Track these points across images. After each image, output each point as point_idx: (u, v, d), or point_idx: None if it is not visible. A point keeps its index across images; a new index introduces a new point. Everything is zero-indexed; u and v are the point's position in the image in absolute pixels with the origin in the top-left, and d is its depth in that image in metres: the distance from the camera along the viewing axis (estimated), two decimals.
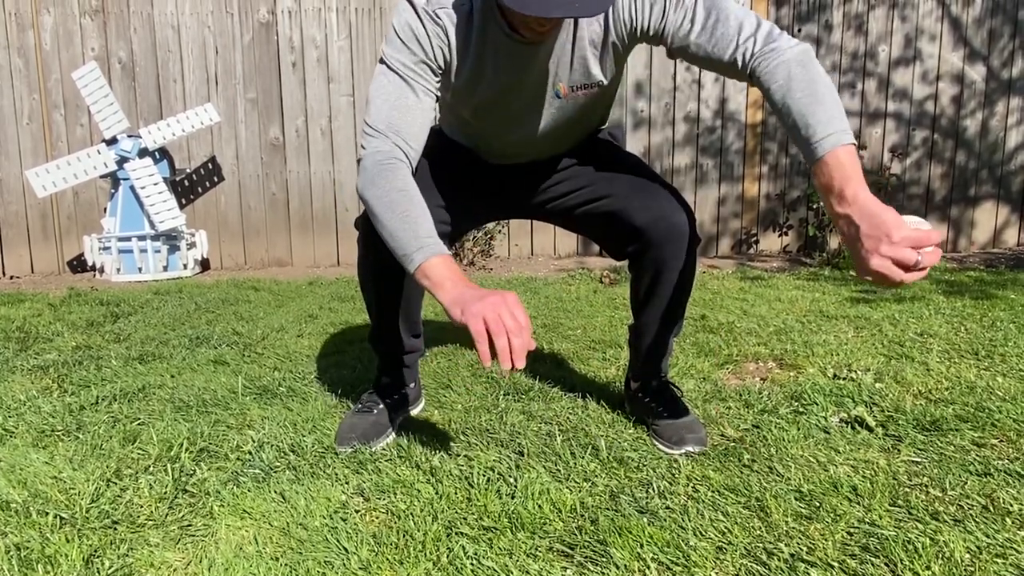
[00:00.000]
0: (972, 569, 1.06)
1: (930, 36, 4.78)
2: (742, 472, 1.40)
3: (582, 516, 1.25)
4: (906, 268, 1.11)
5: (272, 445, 1.57)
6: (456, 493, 1.33)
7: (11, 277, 4.72)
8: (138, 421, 1.74)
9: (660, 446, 1.54)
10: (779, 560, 1.09)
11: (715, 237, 5.00)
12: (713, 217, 4.98)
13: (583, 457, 1.47)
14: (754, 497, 1.29)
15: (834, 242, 4.82)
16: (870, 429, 1.60)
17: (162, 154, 4.54)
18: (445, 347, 2.42)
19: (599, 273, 4.06)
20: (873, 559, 1.09)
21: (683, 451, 1.50)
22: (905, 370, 2.02)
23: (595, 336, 2.53)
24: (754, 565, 1.09)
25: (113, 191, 4.49)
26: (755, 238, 5.00)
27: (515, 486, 1.35)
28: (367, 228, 1.56)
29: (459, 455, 1.50)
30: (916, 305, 2.93)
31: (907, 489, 1.32)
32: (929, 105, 4.86)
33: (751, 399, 1.81)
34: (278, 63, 4.74)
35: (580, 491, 1.34)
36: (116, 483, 1.40)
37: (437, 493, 1.33)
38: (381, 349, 1.73)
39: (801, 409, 1.74)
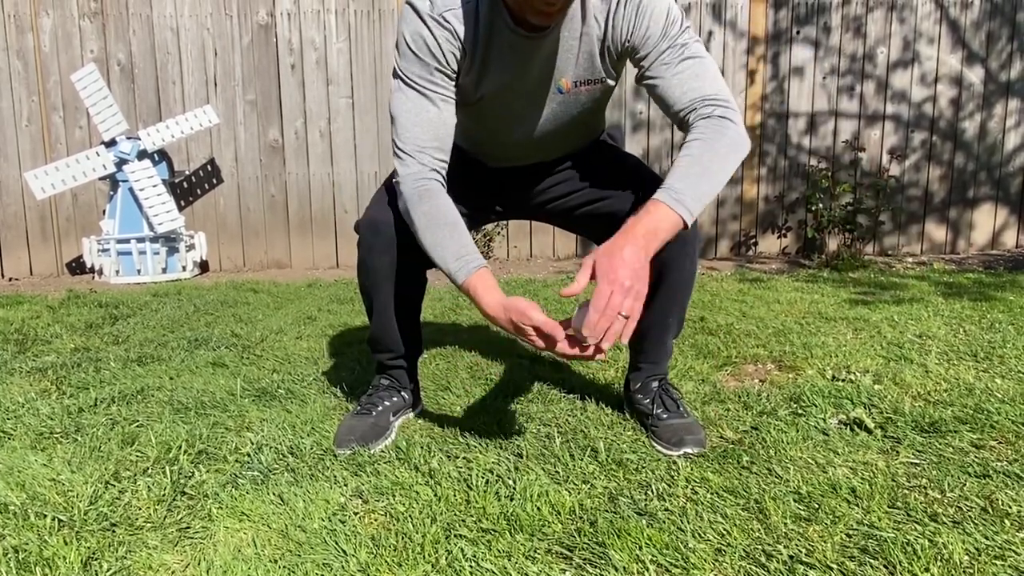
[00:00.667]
0: (971, 571, 1.06)
1: (928, 38, 4.79)
2: (741, 474, 1.40)
3: (581, 518, 1.25)
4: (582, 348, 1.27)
5: (271, 447, 1.57)
6: (455, 495, 1.33)
7: (10, 279, 4.71)
8: (136, 423, 1.74)
9: (659, 448, 1.54)
10: (778, 562, 1.09)
11: (714, 239, 5.01)
12: (712, 219, 4.98)
13: (582, 459, 1.47)
14: (753, 499, 1.29)
15: (833, 244, 4.82)
16: (869, 431, 1.60)
17: (161, 156, 4.54)
18: (444, 349, 2.42)
19: None
20: (872, 561, 1.09)
21: (682, 453, 1.50)
22: (904, 372, 2.02)
23: None
24: (753, 567, 1.09)
25: (112, 193, 4.49)
26: (754, 240, 5.00)
27: (514, 488, 1.35)
28: (366, 231, 1.56)
29: (458, 457, 1.50)
30: (915, 307, 2.94)
31: (906, 491, 1.32)
32: (928, 107, 4.86)
33: (750, 401, 1.81)
34: (277, 65, 4.75)
35: (579, 493, 1.34)
36: (114, 485, 1.40)
37: (436, 495, 1.33)
38: (380, 351, 1.73)
39: (800, 411, 1.74)
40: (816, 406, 1.75)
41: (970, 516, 1.21)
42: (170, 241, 4.50)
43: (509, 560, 1.12)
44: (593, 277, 1.29)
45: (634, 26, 1.38)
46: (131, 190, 4.38)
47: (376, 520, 1.26)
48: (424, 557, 1.13)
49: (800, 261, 4.73)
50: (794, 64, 4.82)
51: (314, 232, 4.90)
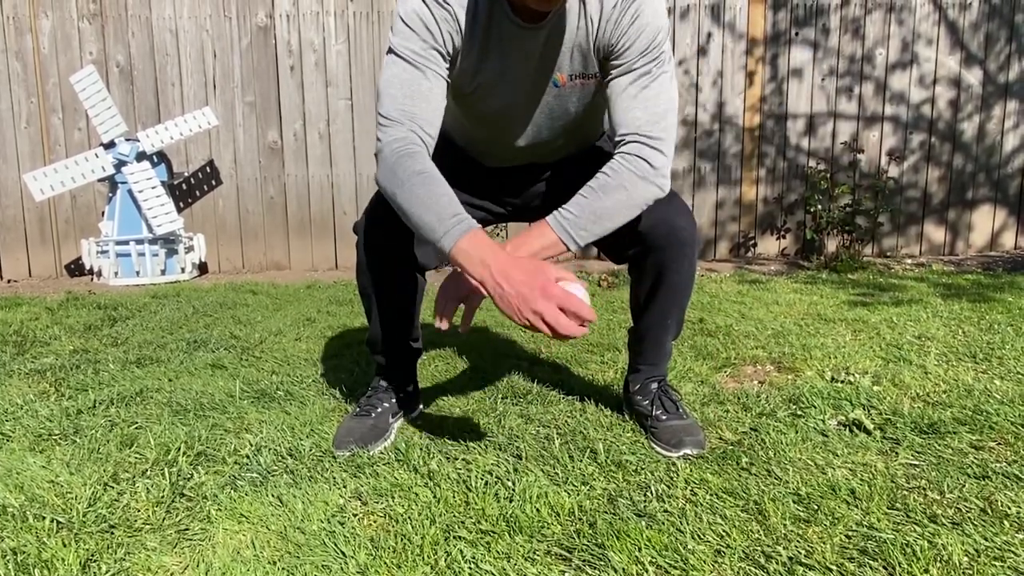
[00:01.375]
0: (970, 572, 1.06)
1: (927, 40, 4.80)
2: (740, 475, 1.40)
3: (580, 519, 1.25)
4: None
5: (270, 449, 1.57)
6: (454, 497, 1.33)
7: (8, 281, 4.71)
8: (135, 425, 1.74)
9: (658, 449, 1.54)
10: (777, 563, 1.09)
11: (713, 240, 5.01)
12: (711, 221, 4.99)
13: (581, 460, 1.47)
14: (752, 500, 1.29)
15: (832, 245, 4.82)
16: (868, 432, 1.60)
17: (160, 158, 4.54)
18: (443, 350, 2.42)
19: (598, 276, 4.06)
20: (871, 562, 1.09)
21: (681, 454, 1.50)
22: (903, 373, 2.02)
23: (593, 339, 2.53)
24: (752, 568, 1.09)
25: (111, 195, 4.48)
26: (753, 241, 5.01)
27: (513, 489, 1.35)
28: (365, 233, 1.56)
29: (457, 459, 1.50)
30: (914, 308, 2.94)
31: (905, 492, 1.32)
32: (926, 109, 4.87)
33: (749, 402, 1.81)
34: (276, 67, 4.75)
35: (578, 494, 1.34)
36: (113, 487, 1.40)
37: (435, 497, 1.33)
38: (379, 353, 1.73)
39: (799, 412, 1.74)
40: (815, 407, 1.75)
41: (969, 517, 1.21)
42: (169, 243, 4.49)
43: (508, 561, 1.12)
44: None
45: (624, 35, 1.38)
46: (130, 192, 4.38)
47: (375, 522, 1.26)
48: (423, 559, 1.13)
49: (799, 262, 4.73)
50: (793, 65, 4.82)
51: (313, 234, 4.90)
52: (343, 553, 1.15)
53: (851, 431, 1.61)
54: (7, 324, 3.00)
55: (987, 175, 4.93)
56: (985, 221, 4.98)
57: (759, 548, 1.14)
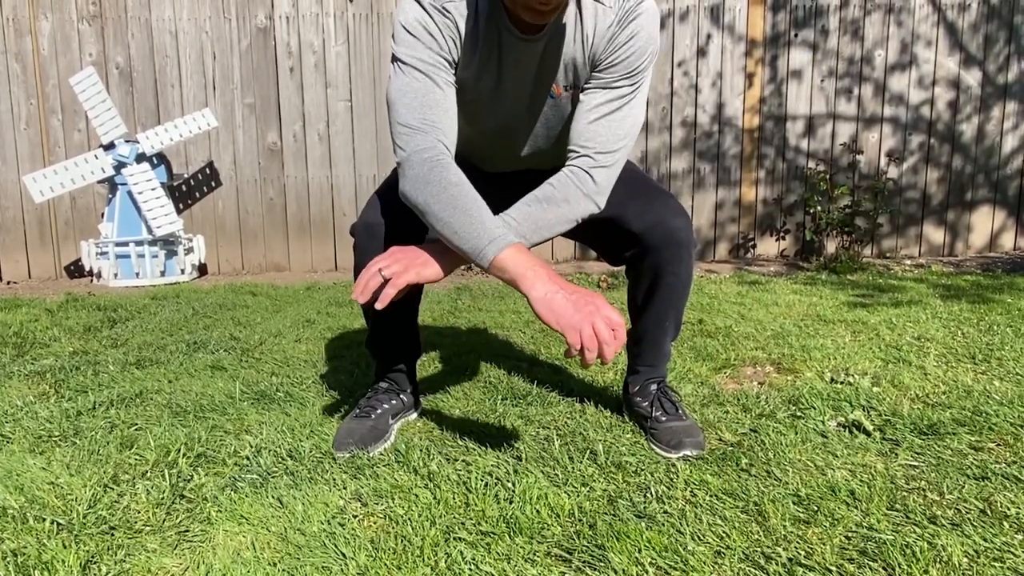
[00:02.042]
0: (970, 573, 1.06)
1: (926, 41, 4.80)
2: (740, 476, 1.40)
3: (580, 521, 1.25)
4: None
5: (270, 450, 1.57)
6: (454, 498, 1.33)
7: (8, 282, 4.71)
8: (135, 427, 1.74)
9: (658, 450, 1.54)
10: (777, 564, 1.09)
11: (713, 242, 5.01)
12: (711, 222, 4.99)
13: (581, 462, 1.47)
14: (752, 501, 1.29)
15: (831, 246, 4.83)
16: (868, 433, 1.60)
17: (160, 159, 4.54)
18: (443, 352, 2.42)
19: (597, 277, 4.06)
20: (871, 563, 1.09)
21: (681, 455, 1.50)
22: (902, 374, 2.02)
23: None
24: (752, 569, 1.09)
25: (110, 196, 4.48)
26: (752, 242, 5.01)
27: (513, 491, 1.35)
28: (362, 234, 1.56)
29: (457, 460, 1.50)
30: (913, 309, 2.94)
31: (905, 493, 1.32)
32: (925, 110, 4.87)
33: (749, 403, 1.81)
34: (276, 68, 4.75)
35: (578, 496, 1.34)
36: (113, 489, 1.40)
37: (435, 498, 1.33)
38: (378, 354, 1.73)
39: (799, 413, 1.74)
40: (815, 408, 1.75)
41: (969, 518, 1.22)
42: (168, 244, 4.49)
43: (508, 563, 1.12)
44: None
45: (616, 52, 1.39)
46: (129, 193, 4.38)
47: (375, 523, 1.26)
48: (423, 560, 1.13)
49: (799, 263, 4.73)
50: (792, 67, 4.83)
51: (313, 235, 4.90)
52: (343, 554, 1.15)
53: (851, 432, 1.62)
54: (7, 326, 3.00)
55: (986, 176, 4.94)
56: (984, 222, 4.98)
57: (759, 549, 1.14)
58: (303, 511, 1.29)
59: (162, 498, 1.35)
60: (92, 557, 1.16)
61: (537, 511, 1.27)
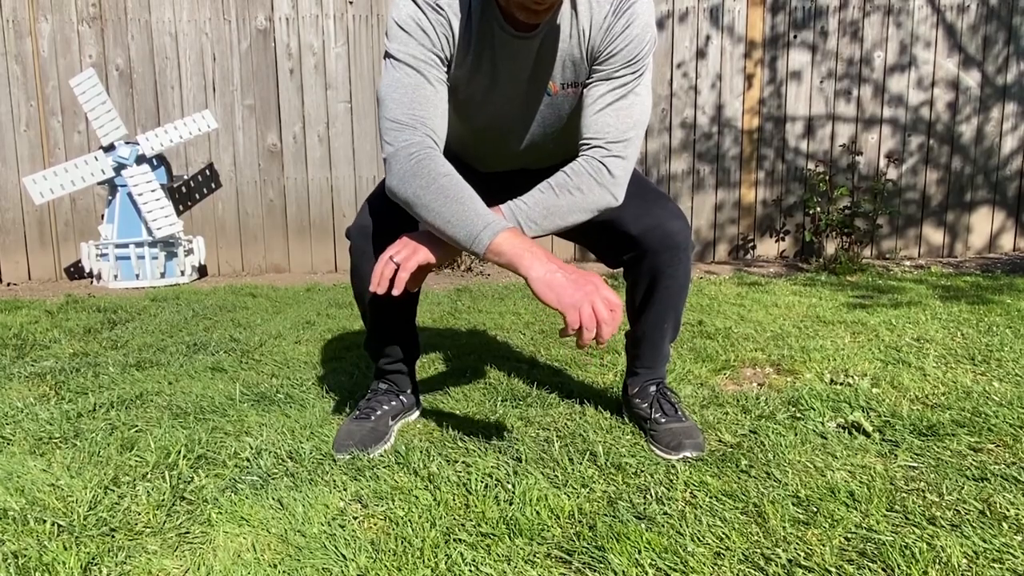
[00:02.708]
0: (969, 574, 1.06)
1: (925, 42, 4.81)
2: (740, 478, 1.40)
3: (580, 522, 1.25)
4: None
5: (270, 452, 1.57)
6: (454, 499, 1.33)
7: (8, 284, 4.71)
8: (136, 428, 1.74)
9: (658, 452, 1.54)
10: (777, 566, 1.10)
11: (712, 243, 5.01)
12: (710, 223, 4.99)
13: (581, 463, 1.47)
14: (752, 503, 1.29)
15: (831, 247, 4.83)
16: (867, 434, 1.60)
17: (159, 161, 4.54)
18: (443, 353, 2.42)
19: None
20: (870, 564, 1.09)
21: (681, 457, 1.51)
22: (902, 375, 2.03)
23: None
24: (752, 571, 1.09)
25: (110, 198, 4.49)
26: (752, 244, 5.01)
27: (513, 492, 1.35)
28: (358, 236, 1.56)
29: (457, 461, 1.50)
30: (913, 310, 2.94)
31: (904, 494, 1.32)
32: (925, 111, 4.87)
33: (748, 404, 1.81)
34: (276, 70, 4.75)
35: (578, 497, 1.34)
36: (114, 490, 1.40)
37: (435, 499, 1.33)
38: (377, 356, 1.73)
39: (798, 414, 1.74)
40: (814, 410, 1.76)
41: (968, 519, 1.22)
42: (168, 246, 4.50)
43: (508, 564, 1.12)
44: None
45: (613, 43, 1.39)
46: (130, 195, 4.38)
47: (375, 525, 1.26)
48: (423, 562, 1.13)
49: (798, 264, 4.73)
50: (791, 68, 4.83)
51: (313, 236, 4.91)
52: (343, 556, 1.15)
53: (850, 433, 1.62)
54: (7, 327, 3.00)
55: (985, 177, 4.94)
56: (984, 223, 4.98)
57: (758, 550, 1.14)
58: (303, 513, 1.30)
59: (162, 500, 1.35)
60: (93, 559, 1.16)
61: (537, 512, 1.27)
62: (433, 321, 2.98)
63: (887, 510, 1.26)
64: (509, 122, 1.53)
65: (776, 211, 4.97)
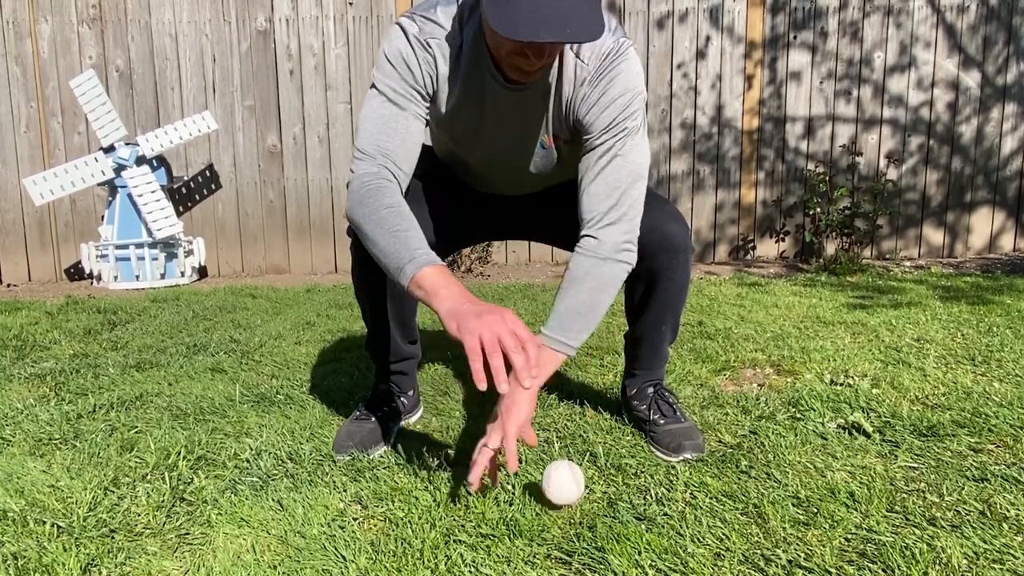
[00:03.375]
0: (969, 574, 1.06)
1: (925, 43, 4.81)
2: (740, 478, 1.40)
3: (580, 523, 1.25)
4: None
5: (270, 453, 1.57)
6: (454, 500, 1.33)
7: (8, 285, 4.71)
8: (135, 429, 1.74)
9: (658, 453, 1.54)
10: (777, 567, 1.10)
11: (712, 243, 5.01)
12: (710, 224, 4.99)
13: (581, 464, 1.47)
14: (752, 503, 1.29)
15: (831, 248, 4.83)
16: (867, 435, 1.60)
17: (159, 162, 4.54)
18: (443, 354, 2.42)
19: None
20: (871, 565, 1.09)
21: (681, 458, 1.50)
22: (902, 376, 2.03)
23: (592, 342, 2.54)
24: (752, 572, 1.09)
25: (110, 199, 4.49)
26: (752, 244, 5.01)
27: (513, 493, 1.35)
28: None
29: (457, 462, 1.50)
30: (913, 311, 2.94)
31: (904, 495, 1.32)
32: (924, 111, 4.87)
33: (748, 405, 1.81)
34: (276, 71, 4.75)
35: None
36: (113, 491, 1.40)
37: (435, 500, 1.33)
38: (378, 356, 1.73)
39: (798, 415, 1.74)
40: (814, 410, 1.76)
41: (968, 520, 1.22)
42: (168, 247, 4.50)
43: (508, 565, 1.12)
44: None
45: (590, 111, 1.39)
46: (130, 196, 4.38)
47: (375, 526, 1.26)
48: (423, 563, 1.13)
49: (798, 265, 4.73)
50: (791, 69, 4.83)
51: (313, 237, 4.91)
52: (343, 557, 1.15)
53: (850, 434, 1.62)
54: (7, 328, 3.00)
55: (985, 177, 4.94)
56: (984, 223, 4.98)
57: (759, 551, 1.14)
58: (303, 514, 1.30)
59: (162, 501, 1.35)
60: (92, 560, 1.16)
61: (537, 513, 1.27)
62: (434, 322, 2.97)
63: (887, 511, 1.26)
64: (502, 160, 1.54)
65: (776, 212, 4.97)
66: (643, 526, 1.22)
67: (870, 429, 1.61)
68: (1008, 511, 1.24)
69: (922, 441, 1.56)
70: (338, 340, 2.68)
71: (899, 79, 4.85)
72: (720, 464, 1.47)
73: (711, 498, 1.32)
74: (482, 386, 1.13)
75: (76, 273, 4.81)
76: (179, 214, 4.74)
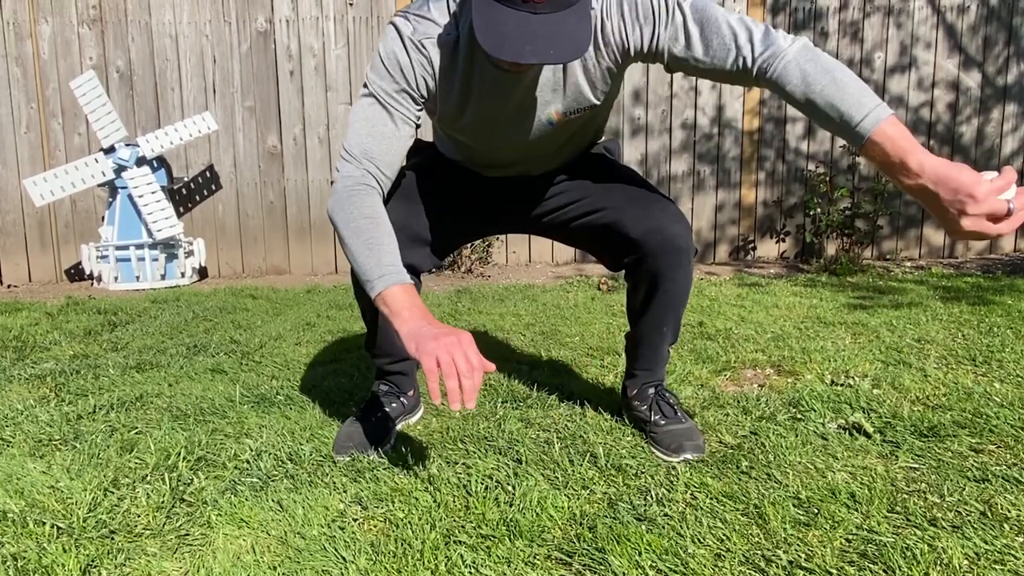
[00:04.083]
0: (970, 575, 1.06)
1: (925, 43, 4.81)
2: (740, 479, 1.40)
3: (580, 524, 1.25)
4: (997, 219, 1.12)
5: (270, 454, 1.57)
6: (454, 501, 1.33)
7: (8, 286, 4.71)
8: (135, 430, 1.74)
9: (658, 453, 1.54)
10: (777, 567, 1.09)
11: (713, 244, 5.01)
12: (711, 224, 4.99)
13: (581, 464, 1.47)
14: (752, 504, 1.29)
15: (831, 248, 4.83)
16: (868, 435, 1.60)
17: (160, 162, 4.54)
18: None
19: (597, 280, 4.06)
20: (871, 565, 1.09)
21: (681, 458, 1.50)
22: (903, 376, 2.02)
23: (593, 343, 2.54)
24: (752, 572, 1.09)
25: (111, 200, 4.49)
26: (752, 245, 5.01)
27: (513, 494, 1.35)
28: None
29: (457, 463, 1.50)
30: (913, 311, 2.94)
31: (905, 495, 1.32)
32: (925, 112, 4.87)
33: (749, 406, 1.81)
34: (276, 72, 4.75)
35: (578, 499, 1.34)
36: (113, 492, 1.40)
37: (435, 501, 1.33)
38: (378, 356, 1.73)
39: (799, 416, 1.74)
40: (815, 411, 1.75)
41: (969, 520, 1.21)
42: (169, 247, 4.50)
43: (508, 566, 1.12)
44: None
45: (627, 33, 1.37)
46: (130, 197, 4.38)
47: (375, 526, 1.26)
48: (423, 563, 1.13)
49: (799, 265, 4.73)
50: None
51: (313, 238, 4.90)
52: (343, 558, 1.15)
53: (851, 434, 1.62)
54: (7, 329, 3.00)
55: None
56: None
57: (759, 552, 1.14)
58: (303, 514, 1.29)
59: (162, 502, 1.35)
60: (92, 561, 1.16)
61: (537, 514, 1.27)
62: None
63: (888, 511, 1.25)
64: (508, 145, 1.54)
65: (777, 212, 4.97)
66: (643, 527, 1.22)
67: (871, 430, 1.61)
68: (1009, 512, 1.24)
69: (923, 442, 1.55)
70: (338, 341, 2.68)
71: (899, 79, 4.84)
72: (721, 465, 1.47)
73: (712, 499, 1.32)
74: (437, 401, 1.21)
75: (76, 274, 4.81)
76: (179, 215, 4.74)
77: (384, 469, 1.47)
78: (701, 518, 1.25)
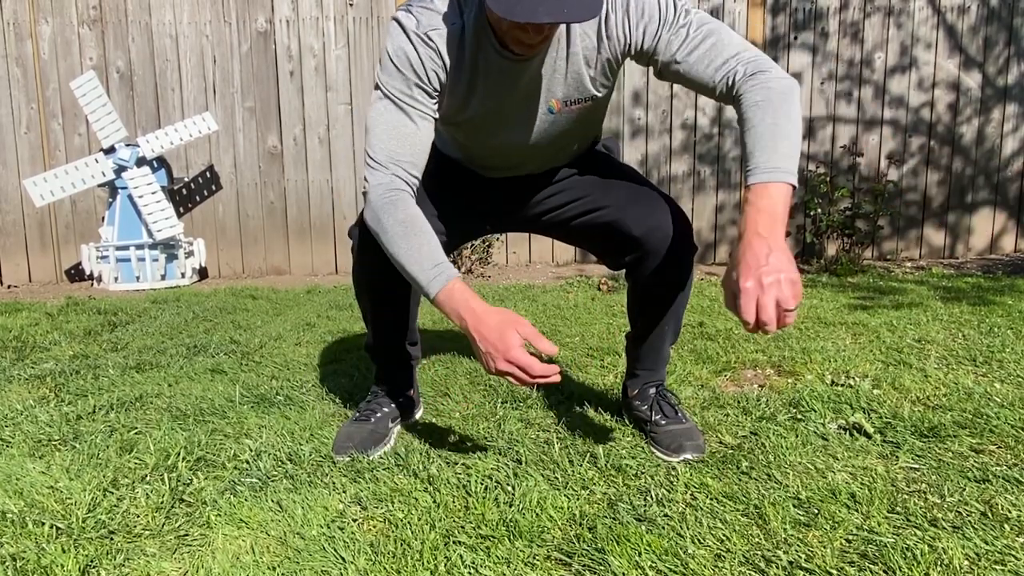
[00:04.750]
0: (970, 575, 1.06)
1: (926, 44, 4.80)
2: (740, 479, 1.40)
3: (580, 524, 1.24)
4: (758, 320, 1.15)
5: (269, 454, 1.57)
6: (454, 501, 1.33)
7: (8, 286, 4.71)
8: (135, 430, 1.74)
9: (658, 453, 1.54)
10: (777, 568, 1.09)
11: (713, 244, 5.01)
12: (711, 224, 4.99)
13: (581, 465, 1.47)
14: (752, 504, 1.29)
15: (832, 248, 4.82)
16: (868, 436, 1.60)
17: (160, 163, 4.54)
18: (443, 355, 2.42)
19: (597, 280, 4.06)
20: (872, 566, 1.09)
21: (681, 458, 1.50)
22: (903, 376, 2.02)
23: (593, 343, 2.53)
24: (753, 573, 1.09)
25: (111, 200, 4.49)
26: None
27: (513, 494, 1.34)
28: (361, 236, 1.56)
29: (457, 463, 1.50)
30: (914, 311, 2.94)
31: (905, 496, 1.31)
32: (925, 112, 4.87)
33: (749, 406, 1.81)
34: (276, 72, 4.75)
35: (578, 499, 1.33)
36: (113, 493, 1.40)
37: (435, 501, 1.33)
38: (378, 357, 1.73)
39: (799, 416, 1.74)
40: (815, 411, 1.75)
41: (970, 521, 1.21)
42: (169, 248, 4.50)
43: (508, 566, 1.12)
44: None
45: (630, 29, 1.37)
46: (130, 197, 4.38)
47: (375, 527, 1.26)
48: (423, 564, 1.13)
49: (799, 266, 4.72)
50: (792, 69, 4.83)
51: (313, 238, 4.90)
52: (343, 558, 1.15)
53: (851, 435, 1.61)
54: (7, 329, 3.00)
55: (986, 178, 4.93)
56: (985, 224, 4.98)
57: (759, 552, 1.14)
58: (303, 515, 1.29)
59: (161, 502, 1.35)
60: (91, 561, 1.16)
61: (537, 515, 1.27)
62: (434, 323, 2.97)
63: (888, 512, 1.25)
64: (511, 139, 1.53)
65: None
66: (643, 527, 1.22)
67: (871, 430, 1.60)
68: (1010, 512, 1.23)
69: (923, 442, 1.55)
70: (338, 341, 2.68)
71: (900, 80, 4.84)
72: (721, 465, 1.47)
73: (712, 499, 1.32)
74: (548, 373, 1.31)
75: (76, 274, 4.81)
76: (179, 215, 4.74)
77: (383, 469, 1.47)
78: (701, 518, 1.24)
